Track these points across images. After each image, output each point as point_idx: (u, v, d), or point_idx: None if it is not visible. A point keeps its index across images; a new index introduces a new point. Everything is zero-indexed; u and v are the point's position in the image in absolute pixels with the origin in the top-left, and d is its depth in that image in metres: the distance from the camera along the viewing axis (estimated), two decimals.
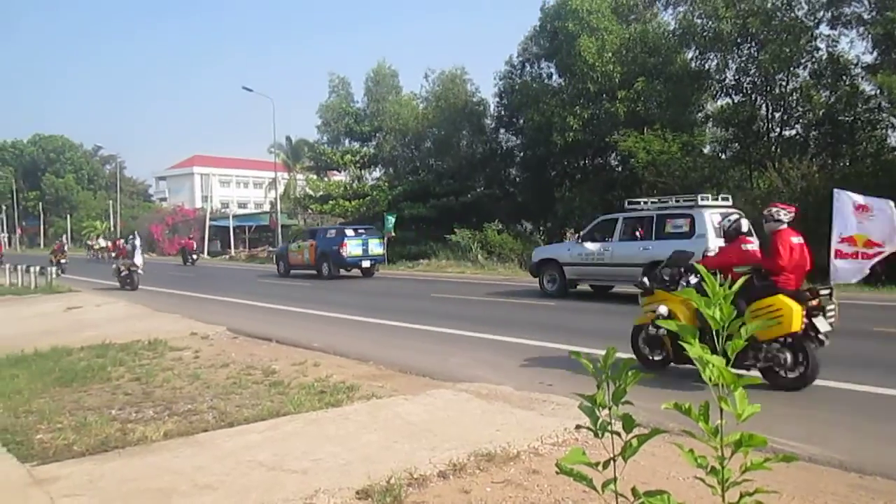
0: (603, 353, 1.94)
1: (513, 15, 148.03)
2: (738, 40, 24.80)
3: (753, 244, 7.55)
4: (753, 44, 24.64)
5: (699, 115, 28.72)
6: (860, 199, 9.00)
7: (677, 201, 14.92)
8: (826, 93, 24.54)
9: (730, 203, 15.28)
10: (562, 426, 5.40)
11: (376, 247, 25.72)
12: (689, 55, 27.02)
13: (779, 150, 25.10)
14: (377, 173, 42.06)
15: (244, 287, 22.91)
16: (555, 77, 31.98)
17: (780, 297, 6.79)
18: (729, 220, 8.00)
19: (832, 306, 7.13)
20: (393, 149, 39.29)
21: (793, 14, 23.80)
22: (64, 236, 45.72)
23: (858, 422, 5.78)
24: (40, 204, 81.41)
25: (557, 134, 27.57)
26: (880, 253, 8.99)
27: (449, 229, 30.96)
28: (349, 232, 25.35)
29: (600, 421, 1.85)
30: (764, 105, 25.86)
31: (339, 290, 20.50)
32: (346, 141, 41.06)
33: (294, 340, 10.46)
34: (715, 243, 12.62)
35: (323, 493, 4.16)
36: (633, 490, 1.82)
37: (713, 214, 13.90)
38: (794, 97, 24.93)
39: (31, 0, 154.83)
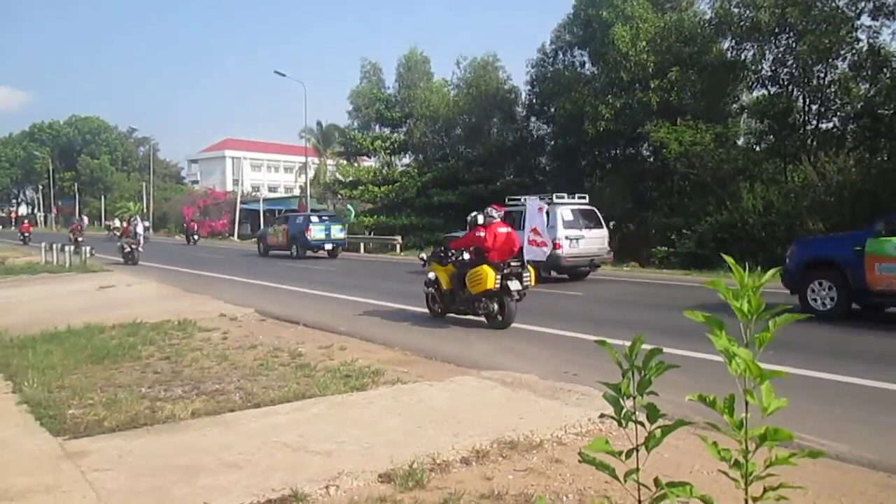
0: (626, 342, 1.93)
1: (547, 2, 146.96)
2: (776, 30, 24.29)
3: (482, 232, 10.66)
4: (791, 34, 24.12)
5: (734, 106, 28.24)
6: (542, 203, 15.43)
7: (541, 198, 17.17)
8: (865, 85, 23.96)
9: (586, 201, 18.61)
10: (586, 416, 5.39)
11: (338, 232, 29.31)
12: (725, 45, 26.54)
13: (815, 143, 24.61)
14: (407, 159, 42.08)
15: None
16: (587, 65, 31.65)
17: (484, 266, 10.22)
18: (471, 216, 11.11)
19: (527, 274, 10.56)
20: (423, 135, 39.24)
21: (833, 4, 23.24)
22: (83, 216, 53.36)
23: (889, 420, 5.68)
24: (75, 184, 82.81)
25: (589, 123, 27.30)
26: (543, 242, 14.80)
27: None
28: (314, 218, 29.33)
29: (625, 411, 1.84)
30: (801, 97, 25.34)
31: (361, 275, 20.60)
32: (377, 127, 41.12)
33: (321, 324, 10.56)
34: (562, 232, 16.99)
35: (346, 475, 4.21)
36: (656, 480, 1.81)
37: (565, 209, 17.62)
38: (833, 89, 24.39)
39: None
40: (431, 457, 4.49)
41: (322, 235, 28.13)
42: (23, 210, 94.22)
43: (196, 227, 45.98)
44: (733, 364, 1.59)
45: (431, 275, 11.21)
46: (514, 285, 10.22)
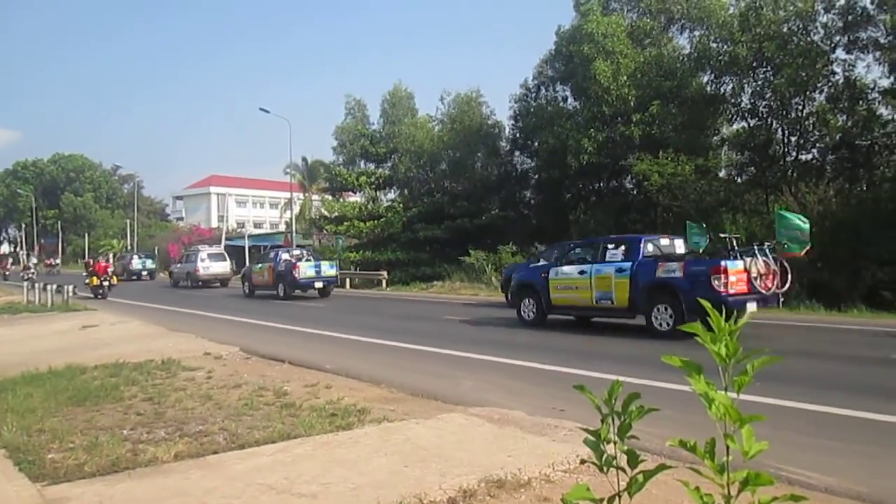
0: (611, 376, 1.93)
1: (528, 39, 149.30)
2: (754, 64, 24.77)
3: (95, 264, 28.84)
4: (769, 68, 24.60)
5: (715, 138, 28.65)
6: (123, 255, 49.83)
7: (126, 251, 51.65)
8: (843, 117, 24.43)
9: (220, 248, 39.00)
10: (574, 453, 5.34)
11: (150, 264, 46.55)
12: (705, 79, 27.02)
13: (795, 174, 24.97)
14: (392, 195, 42.26)
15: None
16: (570, 100, 32.10)
17: (94, 277, 27.43)
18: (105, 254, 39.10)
19: (112, 280, 28.04)
20: (408, 170, 39.45)
21: (809, 38, 23.78)
22: (10, 255, 74.96)
23: (876, 451, 5.67)
24: (59, 222, 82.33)
25: (572, 156, 27.58)
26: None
27: (463, 251, 30.98)
28: (135, 258, 48.66)
29: (605, 456, 1.83)
30: (780, 129, 25.76)
31: (351, 312, 20.53)
32: (362, 162, 41.32)
33: (307, 362, 10.47)
34: (201, 264, 35.13)
35: None
36: None
37: (203, 253, 36.00)
38: (811, 121, 24.82)
39: (56, 27, 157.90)
40: (418, 497, 4.44)
41: (140, 267, 47.29)
42: (4, 248, 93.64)
43: (91, 262, 61.26)
44: (713, 408, 1.59)
45: (87, 280, 27.18)
46: (105, 283, 26.73)
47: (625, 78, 27.19)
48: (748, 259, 12.52)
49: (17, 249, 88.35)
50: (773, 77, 24.35)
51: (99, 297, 26.68)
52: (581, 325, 15.27)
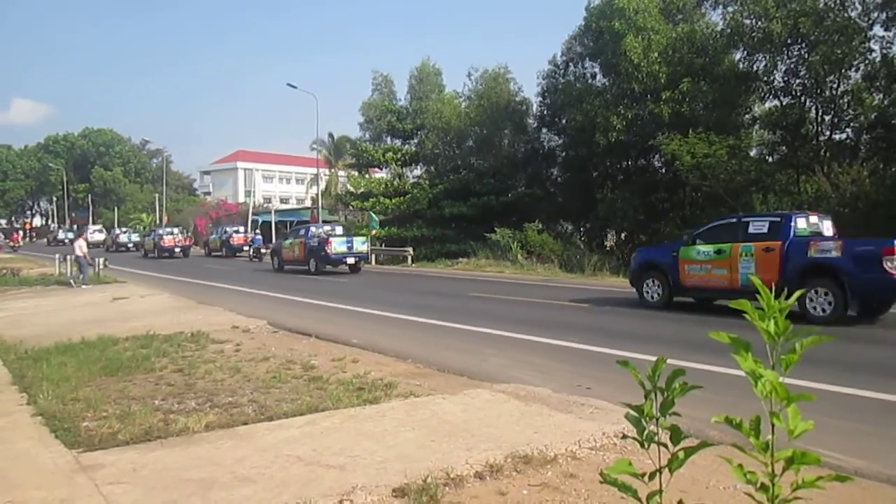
0: (640, 356, 1.91)
1: (558, 14, 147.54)
2: (788, 41, 24.22)
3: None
4: (804, 45, 24.04)
5: (746, 117, 28.14)
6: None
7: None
8: (879, 96, 23.86)
9: (100, 227, 64.31)
10: (600, 430, 5.35)
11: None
12: (737, 56, 26.49)
13: (828, 153, 24.50)
14: (418, 171, 42.13)
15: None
16: (599, 77, 31.65)
17: (13, 240, 53.74)
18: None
19: (19, 243, 53.12)
20: (434, 147, 39.29)
21: (846, 14, 23.18)
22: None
23: None
24: (89, 196, 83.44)
25: (600, 134, 27.27)
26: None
27: (489, 228, 30.90)
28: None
29: (647, 432, 1.82)
30: (813, 108, 25.25)
31: (377, 287, 20.61)
32: (388, 138, 41.18)
33: (333, 336, 10.55)
34: (91, 235, 51.35)
35: (360, 489, 4.18)
36: None
37: (91, 227, 61.97)
38: (846, 100, 24.28)
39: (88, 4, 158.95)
40: (445, 471, 4.47)
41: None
42: (37, 221, 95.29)
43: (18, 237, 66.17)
44: (759, 386, 1.57)
45: (10, 243, 41.83)
46: (14, 245, 45.35)
47: (655, 54, 26.74)
48: None
49: (49, 223, 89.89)
50: (807, 54, 23.81)
51: (14, 250, 33.35)
52: (602, 304, 15.21)
